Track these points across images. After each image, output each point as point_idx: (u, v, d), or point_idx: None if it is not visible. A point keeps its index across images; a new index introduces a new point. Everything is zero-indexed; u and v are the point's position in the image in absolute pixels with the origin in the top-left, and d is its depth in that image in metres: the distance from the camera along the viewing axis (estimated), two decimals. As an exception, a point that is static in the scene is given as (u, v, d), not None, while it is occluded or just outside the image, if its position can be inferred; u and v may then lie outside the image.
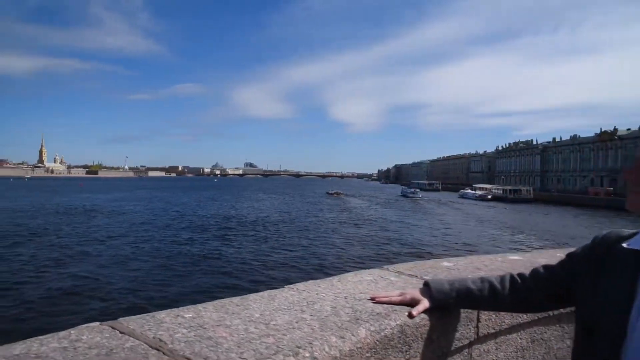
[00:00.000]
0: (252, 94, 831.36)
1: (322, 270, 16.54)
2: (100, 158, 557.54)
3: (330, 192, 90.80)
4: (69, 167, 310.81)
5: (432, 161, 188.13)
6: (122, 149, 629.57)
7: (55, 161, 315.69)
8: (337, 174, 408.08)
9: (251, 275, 15.65)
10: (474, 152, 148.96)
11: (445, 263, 2.51)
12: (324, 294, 1.74)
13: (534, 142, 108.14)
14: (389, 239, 25.86)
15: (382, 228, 31.21)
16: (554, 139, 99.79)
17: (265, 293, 1.78)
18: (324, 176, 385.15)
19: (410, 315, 1.51)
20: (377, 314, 1.51)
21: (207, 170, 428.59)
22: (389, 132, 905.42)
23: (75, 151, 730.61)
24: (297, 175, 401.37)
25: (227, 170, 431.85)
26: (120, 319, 1.41)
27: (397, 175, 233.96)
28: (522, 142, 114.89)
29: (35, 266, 16.61)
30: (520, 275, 1.52)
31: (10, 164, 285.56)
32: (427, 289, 1.63)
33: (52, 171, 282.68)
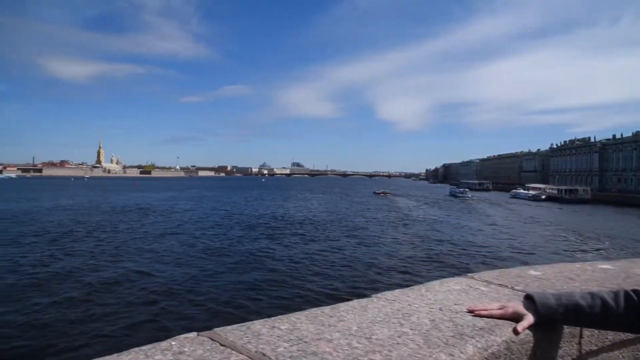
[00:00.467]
0: (299, 94, 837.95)
1: (385, 273, 16.39)
2: (153, 158, 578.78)
3: (377, 191, 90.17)
4: (124, 167, 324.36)
5: (482, 160, 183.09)
6: (174, 149, 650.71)
7: (111, 162, 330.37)
8: (384, 174, 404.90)
9: (314, 277, 15.62)
10: (527, 151, 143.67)
11: (533, 272, 2.38)
12: (416, 305, 1.67)
13: (592, 140, 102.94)
14: (443, 240, 25.27)
15: (433, 229, 30.60)
16: (614, 135, 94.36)
17: (355, 303, 1.73)
18: (370, 175, 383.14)
19: (516, 332, 1.42)
20: (480, 328, 1.42)
21: (255, 169, 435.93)
22: (437, 130, 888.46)
23: (130, 152, 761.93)
24: (344, 175, 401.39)
25: (275, 169, 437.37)
26: (216, 330, 1.39)
27: (445, 175, 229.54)
28: (578, 140, 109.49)
29: (97, 265, 17.32)
30: (636, 292, 1.39)
31: (71, 165, 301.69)
32: (530, 303, 1.53)
33: (109, 171, 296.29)
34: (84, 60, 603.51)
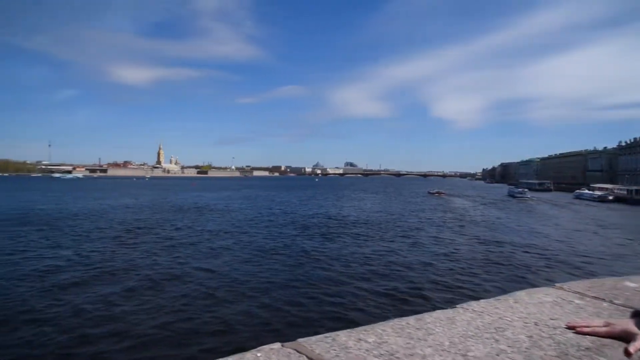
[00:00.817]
0: (352, 94, 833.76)
1: (450, 279, 15.97)
2: (209, 159, 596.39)
3: (431, 191, 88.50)
4: (182, 167, 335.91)
5: (543, 159, 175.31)
6: (229, 150, 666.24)
7: (170, 162, 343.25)
8: (439, 173, 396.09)
9: (378, 281, 15.48)
10: (592, 149, 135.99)
11: (630, 283, 2.18)
12: (508, 318, 1.55)
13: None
14: (505, 243, 24.29)
15: (493, 231, 29.54)
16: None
17: (441, 314, 1.64)
18: (425, 175, 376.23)
19: (628, 353, 1.28)
20: (587, 348, 1.29)
21: (308, 169, 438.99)
22: (495, 128, 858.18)
23: (188, 152, 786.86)
24: (398, 175, 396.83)
25: (328, 169, 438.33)
26: (301, 341, 1.35)
27: (503, 174, 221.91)
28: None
29: (160, 263, 17.96)
30: None
31: (133, 165, 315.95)
32: (640, 320, 1.38)
33: (168, 171, 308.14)
34: (146, 65, 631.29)
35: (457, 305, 1.74)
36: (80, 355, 8.65)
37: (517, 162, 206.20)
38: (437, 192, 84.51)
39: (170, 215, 36.21)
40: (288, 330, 9.97)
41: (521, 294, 1.91)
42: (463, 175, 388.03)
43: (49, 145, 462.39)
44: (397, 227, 30.25)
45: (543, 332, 1.41)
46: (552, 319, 1.54)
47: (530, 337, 1.37)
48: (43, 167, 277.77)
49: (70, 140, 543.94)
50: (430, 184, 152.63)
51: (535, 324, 1.49)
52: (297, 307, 11.73)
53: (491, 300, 1.80)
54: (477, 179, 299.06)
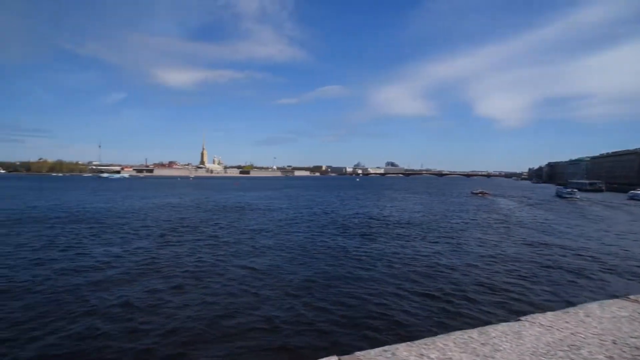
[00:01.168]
0: (393, 93, 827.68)
1: (501, 284, 15.51)
2: (251, 159, 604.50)
3: (474, 191, 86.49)
4: (225, 167, 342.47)
5: (593, 158, 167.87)
6: (271, 150, 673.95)
7: (214, 162, 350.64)
8: (483, 173, 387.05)
9: (423, 280, 15.27)
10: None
11: None
12: (581, 334, 1.41)
13: None
14: (555, 246, 23.30)
15: (542, 233, 28.39)
16: None
17: (506, 327, 1.51)
18: (468, 175, 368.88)
19: None
20: (678, 372, 1.16)
21: (349, 169, 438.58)
22: (541, 127, 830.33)
23: (231, 153, 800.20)
24: (440, 174, 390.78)
25: (369, 169, 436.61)
26: (359, 354, 1.26)
27: (550, 174, 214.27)
28: None
29: (205, 262, 18.28)
30: None
31: (178, 165, 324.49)
32: None
33: (211, 171, 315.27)
34: (190, 68, 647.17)
35: (521, 318, 1.61)
36: (130, 348, 8.89)
37: (566, 162, 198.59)
38: (480, 192, 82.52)
39: (214, 214, 36.92)
40: (334, 333, 9.92)
41: (592, 307, 1.75)
42: (508, 175, 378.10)
43: (99, 147, 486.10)
44: (439, 228, 29.69)
45: (625, 352, 1.27)
46: (632, 337, 1.39)
47: (611, 358, 1.24)
48: (94, 167, 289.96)
49: (119, 141, 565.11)
50: (474, 184, 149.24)
51: (614, 342, 1.35)
52: (341, 307, 11.66)
53: (559, 312, 1.65)
54: (522, 179, 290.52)
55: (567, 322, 1.57)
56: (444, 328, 10.09)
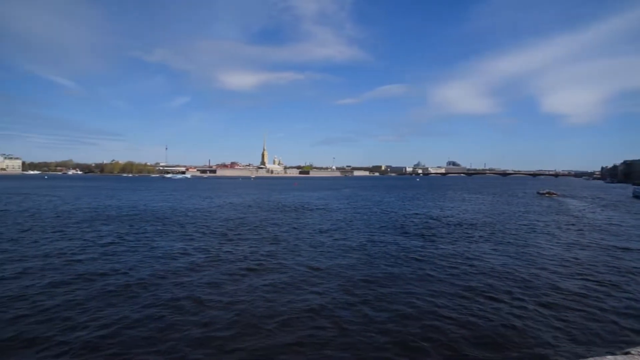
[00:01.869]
0: (455, 91, 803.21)
1: (583, 296, 14.56)
2: (311, 159, 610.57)
3: (541, 191, 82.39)
4: (285, 167, 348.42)
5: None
6: (330, 150, 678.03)
7: (274, 163, 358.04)
8: (550, 172, 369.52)
9: (494, 288, 14.68)
10: None
11: None
12: None
13: None
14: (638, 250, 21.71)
15: (619, 237, 26.23)
16: None
17: None
18: (534, 174, 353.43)
19: None
20: None
21: (409, 169, 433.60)
22: (616, 122, 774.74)
23: (291, 153, 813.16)
24: (504, 174, 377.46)
25: (429, 169, 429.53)
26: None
27: (626, 173, 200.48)
28: None
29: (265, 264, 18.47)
30: None
31: (239, 166, 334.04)
32: None
33: (271, 172, 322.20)
34: (252, 71, 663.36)
35: (631, 351, 1.33)
36: (198, 339, 9.11)
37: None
38: (547, 193, 78.51)
39: (273, 214, 37.42)
40: (405, 338, 9.66)
41: None
42: (578, 175, 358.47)
43: (166, 149, 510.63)
44: (505, 230, 28.42)
45: None
46: None
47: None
48: (160, 168, 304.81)
49: (184, 143, 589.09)
50: (541, 184, 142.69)
51: None
52: (409, 310, 11.36)
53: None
54: (595, 179, 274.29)
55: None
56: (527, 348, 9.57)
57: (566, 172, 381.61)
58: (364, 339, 9.43)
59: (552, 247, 22.29)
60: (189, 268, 15.86)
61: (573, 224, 32.74)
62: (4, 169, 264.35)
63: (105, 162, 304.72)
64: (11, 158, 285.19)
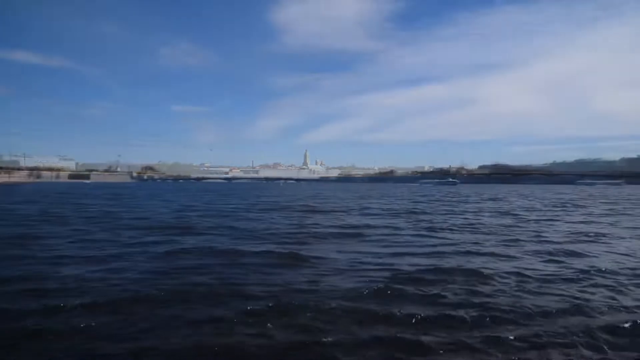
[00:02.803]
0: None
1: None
2: (352, 159, 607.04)
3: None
4: (327, 168, 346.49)
5: None
6: (372, 150, 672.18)
7: (316, 163, 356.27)
8: None
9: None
10: None
11: None
12: None
13: None
14: None
15: None
16: None
17: None
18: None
19: None
20: None
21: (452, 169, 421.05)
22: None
23: (332, 154, 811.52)
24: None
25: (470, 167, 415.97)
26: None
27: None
28: None
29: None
30: None
31: (282, 167, 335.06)
32: None
33: (313, 172, 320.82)
34: (291, 73, 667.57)
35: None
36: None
37: None
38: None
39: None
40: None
41: None
42: None
43: (210, 150, 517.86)
44: None
45: None
46: None
47: None
48: (205, 168, 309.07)
49: (227, 144, 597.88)
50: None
51: None
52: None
53: None
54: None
55: None
56: None
57: None
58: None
59: None
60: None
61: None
62: (60, 170, 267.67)
63: (152, 163, 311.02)
64: (66, 159, 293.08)
